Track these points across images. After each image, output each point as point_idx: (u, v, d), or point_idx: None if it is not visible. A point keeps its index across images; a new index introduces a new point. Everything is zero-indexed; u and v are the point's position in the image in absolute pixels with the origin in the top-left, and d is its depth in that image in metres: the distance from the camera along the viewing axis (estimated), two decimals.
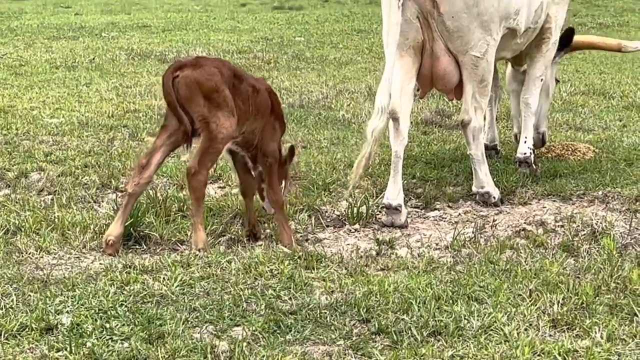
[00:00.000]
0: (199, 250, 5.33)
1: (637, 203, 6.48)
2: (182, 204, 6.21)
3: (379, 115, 5.98)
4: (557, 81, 8.21)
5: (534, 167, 7.31)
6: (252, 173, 5.83)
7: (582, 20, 20.34)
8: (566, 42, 7.65)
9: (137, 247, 5.56)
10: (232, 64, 5.91)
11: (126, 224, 5.45)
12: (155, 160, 5.41)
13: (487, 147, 7.49)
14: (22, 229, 5.73)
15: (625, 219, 6.14)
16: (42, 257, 5.35)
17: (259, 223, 5.97)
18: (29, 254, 5.36)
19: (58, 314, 4.42)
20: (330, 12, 23.18)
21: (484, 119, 7.11)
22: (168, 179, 7.00)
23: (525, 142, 7.34)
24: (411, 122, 6.96)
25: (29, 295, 4.66)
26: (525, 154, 7.30)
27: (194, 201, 5.41)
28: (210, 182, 6.96)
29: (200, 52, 14.70)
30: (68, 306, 4.51)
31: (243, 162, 5.82)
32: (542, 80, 7.47)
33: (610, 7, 23.55)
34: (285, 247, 5.54)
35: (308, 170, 7.22)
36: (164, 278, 4.91)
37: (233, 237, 5.89)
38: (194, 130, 5.34)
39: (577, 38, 7.80)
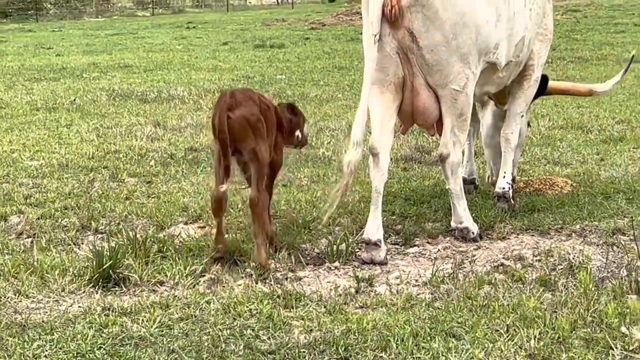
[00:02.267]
0: (262, 267, 5.77)
1: (614, 236, 6.53)
2: (161, 245, 6.21)
3: (354, 148, 6.05)
4: (529, 125, 8.27)
5: (513, 202, 7.35)
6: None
7: (562, 55, 20.53)
8: (540, 89, 7.71)
9: (116, 289, 5.55)
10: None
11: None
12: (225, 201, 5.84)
13: (465, 181, 7.55)
14: (1, 273, 5.72)
15: (602, 252, 6.18)
16: (20, 301, 5.34)
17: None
18: (7, 298, 5.35)
19: (36, 359, 4.41)
20: (312, 49, 23.37)
21: (462, 153, 7.15)
22: (148, 220, 7.01)
23: (504, 177, 7.39)
24: (391, 159, 7.00)
25: (7, 339, 4.65)
26: (503, 188, 7.35)
27: (258, 227, 5.79)
28: (190, 222, 6.99)
29: (182, 91, 14.77)
30: (46, 350, 4.52)
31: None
32: (522, 116, 7.55)
33: (589, 41, 23.80)
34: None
35: (288, 208, 7.25)
36: (142, 320, 4.92)
37: (213, 277, 5.89)
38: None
39: (550, 84, 7.88)
